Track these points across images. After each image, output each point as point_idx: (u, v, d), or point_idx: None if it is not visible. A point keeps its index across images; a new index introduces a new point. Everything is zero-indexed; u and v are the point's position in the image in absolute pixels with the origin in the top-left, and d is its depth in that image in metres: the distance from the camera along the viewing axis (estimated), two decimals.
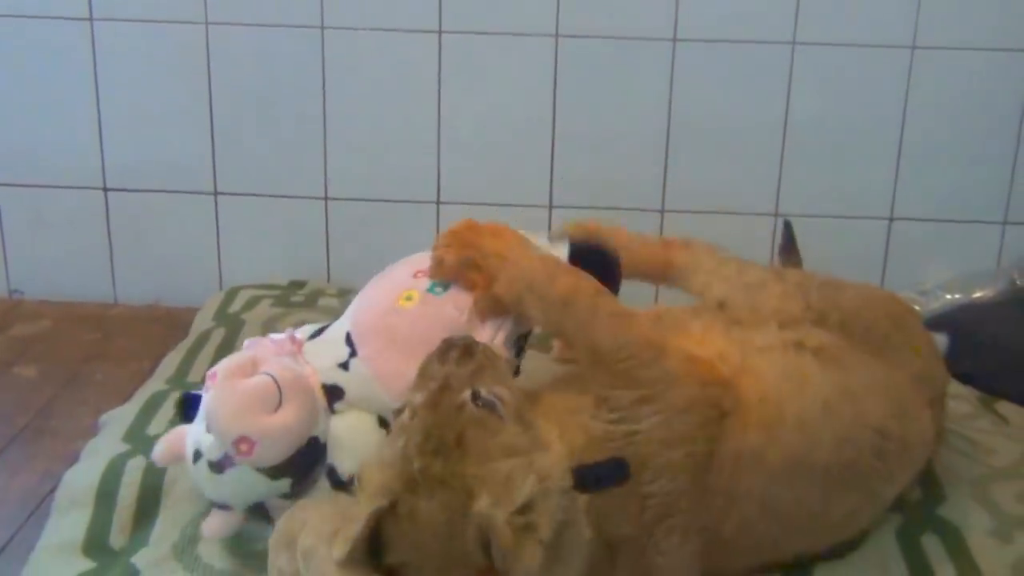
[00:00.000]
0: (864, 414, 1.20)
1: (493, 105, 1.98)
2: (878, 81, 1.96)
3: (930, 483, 1.34)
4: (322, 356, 1.21)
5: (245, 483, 1.15)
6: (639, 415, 1.09)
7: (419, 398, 1.03)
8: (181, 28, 1.96)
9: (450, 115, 1.99)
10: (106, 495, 1.28)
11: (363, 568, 0.98)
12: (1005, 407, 1.60)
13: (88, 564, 1.18)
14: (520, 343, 1.27)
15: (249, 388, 1.14)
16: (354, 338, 1.21)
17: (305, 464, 1.16)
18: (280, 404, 1.14)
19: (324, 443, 1.18)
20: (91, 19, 1.96)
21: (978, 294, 1.95)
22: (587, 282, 1.16)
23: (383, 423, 1.18)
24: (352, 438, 1.18)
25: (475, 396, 1.02)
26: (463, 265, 1.21)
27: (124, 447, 1.36)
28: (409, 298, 1.22)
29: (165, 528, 1.23)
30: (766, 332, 1.25)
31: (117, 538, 1.23)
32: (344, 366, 1.19)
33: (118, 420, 1.45)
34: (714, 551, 1.12)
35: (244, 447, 1.12)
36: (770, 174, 2.01)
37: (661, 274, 1.42)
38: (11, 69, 1.99)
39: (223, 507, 1.18)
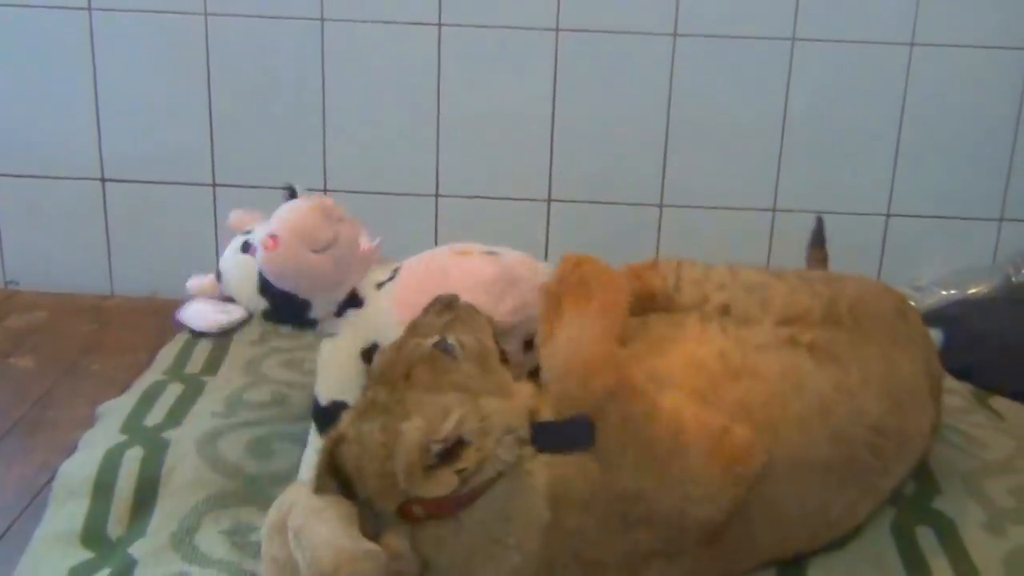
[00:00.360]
0: (860, 412, 1.20)
1: (493, 99, 1.98)
2: (877, 78, 1.97)
3: (924, 476, 1.35)
4: (372, 274, 1.33)
5: (245, 275, 1.29)
6: (647, 484, 1.07)
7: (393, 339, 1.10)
8: (180, 19, 1.96)
9: (449, 108, 2.00)
10: (104, 486, 1.28)
11: (334, 495, 1.04)
12: (999, 402, 1.62)
13: (86, 554, 1.19)
14: None
15: (315, 219, 1.28)
16: (401, 270, 1.32)
17: (288, 308, 1.28)
18: (326, 248, 1.26)
19: (314, 318, 1.28)
20: (89, 8, 1.95)
21: (973, 290, 1.96)
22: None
23: (370, 355, 1.24)
24: (330, 362, 1.27)
25: (438, 342, 1.06)
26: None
27: (121, 438, 1.37)
28: (464, 252, 1.32)
29: (163, 519, 1.23)
30: (760, 329, 1.25)
31: (115, 528, 1.23)
32: (379, 286, 1.31)
33: (115, 411, 1.46)
34: (714, 557, 1.12)
35: (271, 243, 1.25)
36: (768, 169, 2.02)
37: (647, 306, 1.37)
38: (9, 59, 1.99)
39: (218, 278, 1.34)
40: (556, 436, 1.06)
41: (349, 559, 0.99)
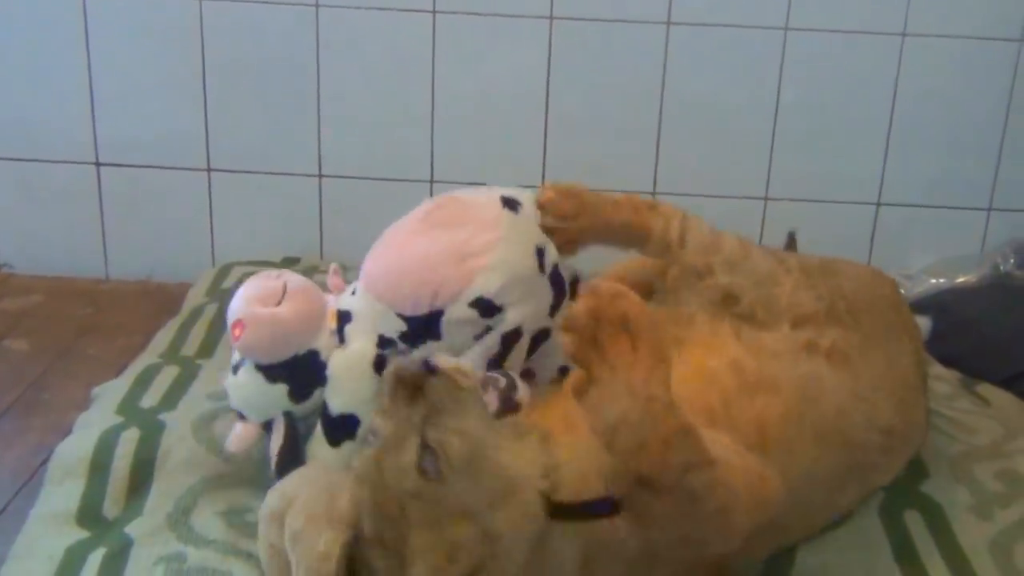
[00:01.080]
0: (873, 416, 1.19)
1: (487, 85, 1.99)
2: (869, 68, 1.98)
3: (912, 462, 1.36)
4: (344, 291, 1.28)
5: (250, 385, 1.22)
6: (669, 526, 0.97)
7: (372, 446, 0.96)
8: (175, 3, 1.96)
9: (444, 95, 2.00)
10: (99, 466, 1.28)
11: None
12: (986, 389, 1.63)
13: (82, 534, 1.19)
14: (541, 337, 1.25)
15: (256, 281, 1.24)
16: (363, 266, 1.26)
17: (302, 375, 1.21)
18: (280, 302, 1.21)
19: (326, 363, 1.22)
20: None
21: (961, 279, 1.97)
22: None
23: (384, 343, 1.20)
24: (344, 376, 1.21)
25: (422, 464, 0.92)
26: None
27: (117, 419, 1.37)
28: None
29: (159, 499, 1.24)
30: (778, 333, 1.21)
31: (111, 508, 1.24)
32: (353, 291, 1.25)
33: (111, 393, 1.46)
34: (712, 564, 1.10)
35: (237, 331, 1.19)
36: (760, 158, 2.03)
37: (637, 245, 1.31)
38: (3, 41, 1.99)
39: (243, 417, 1.24)
40: (577, 514, 0.96)
41: None
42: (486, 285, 1.17)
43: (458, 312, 1.17)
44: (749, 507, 1.00)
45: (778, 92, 1.99)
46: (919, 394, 1.30)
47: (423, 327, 1.18)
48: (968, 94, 2.00)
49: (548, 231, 1.24)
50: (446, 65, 1.99)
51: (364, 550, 0.94)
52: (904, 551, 1.22)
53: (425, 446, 0.93)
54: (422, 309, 1.18)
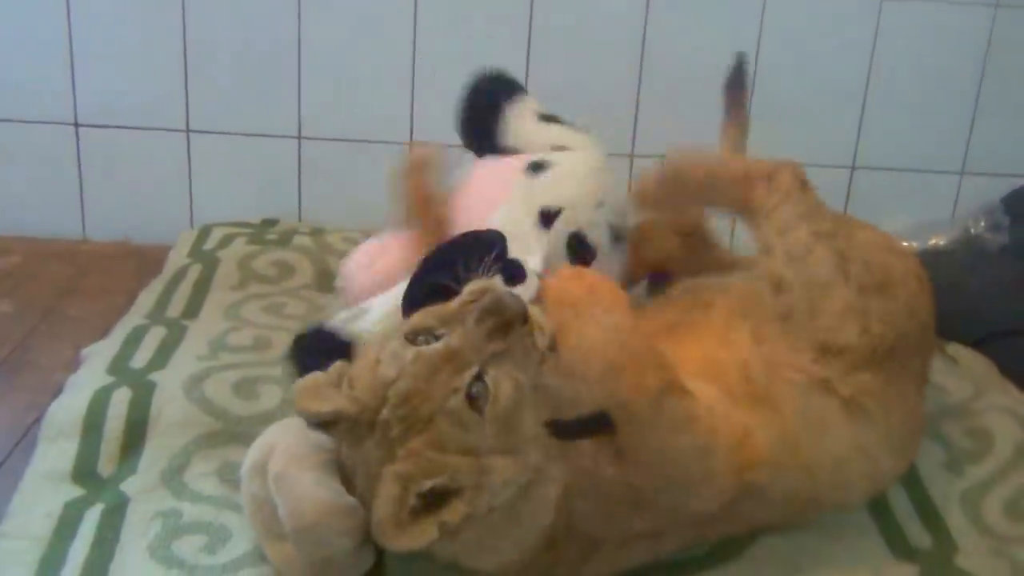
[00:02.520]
0: (870, 472, 1.17)
1: (468, 47, 1.99)
2: (846, 32, 2.00)
3: None
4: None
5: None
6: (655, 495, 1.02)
7: (432, 349, 0.97)
8: None
9: (425, 57, 2.00)
10: (93, 426, 1.29)
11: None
12: (956, 349, 1.67)
13: (79, 491, 1.21)
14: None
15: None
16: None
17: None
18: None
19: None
20: None
21: (933, 241, 2.01)
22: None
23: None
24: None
25: (477, 377, 0.96)
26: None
27: (108, 379, 1.38)
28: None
29: (153, 458, 1.26)
30: (798, 358, 1.15)
31: (105, 467, 1.25)
32: None
33: (101, 353, 1.47)
34: (693, 534, 1.12)
35: None
36: None
37: (739, 213, 1.28)
38: None
39: None
40: (578, 429, 0.99)
41: (329, 513, 1.01)
42: None
43: None
44: (730, 457, 1.03)
45: (756, 56, 2.01)
46: (918, 433, 1.27)
47: None
48: (943, 59, 2.03)
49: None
50: (427, 26, 1.98)
51: (355, 425, 0.97)
52: (878, 505, 1.26)
53: (479, 378, 0.95)
54: None
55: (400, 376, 0.96)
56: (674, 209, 1.30)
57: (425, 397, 0.95)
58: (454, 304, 1.02)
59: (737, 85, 1.55)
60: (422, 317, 1.02)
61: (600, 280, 1.04)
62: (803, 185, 1.26)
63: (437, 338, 0.99)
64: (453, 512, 0.94)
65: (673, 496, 1.03)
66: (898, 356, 1.19)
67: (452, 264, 1.09)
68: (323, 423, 1.00)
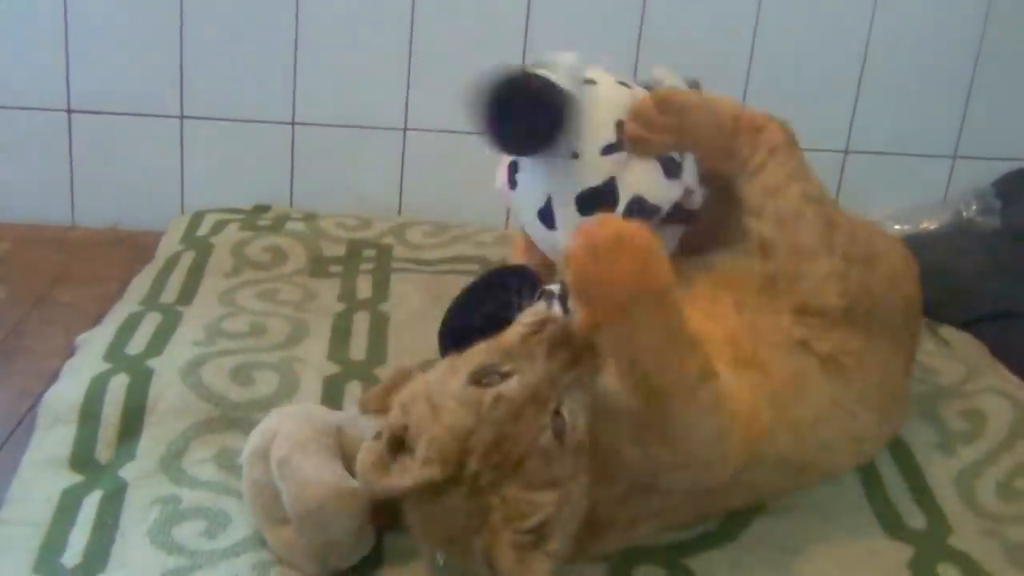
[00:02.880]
0: (850, 427, 1.20)
1: (464, 34, 1.98)
2: (841, 16, 2.01)
3: None
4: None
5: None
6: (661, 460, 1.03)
7: (511, 389, 0.94)
8: None
9: (421, 43, 1.99)
10: (90, 412, 1.29)
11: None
12: (948, 331, 1.68)
13: (77, 477, 1.21)
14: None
15: None
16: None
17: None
18: None
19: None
20: None
21: (925, 224, 2.03)
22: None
23: None
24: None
25: (556, 414, 0.95)
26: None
27: (105, 366, 1.38)
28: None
29: (150, 443, 1.26)
30: (779, 322, 1.18)
31: (103, 453, 1.26)
32: None
33: (97, 340, 1.47)
34: (689, 511, 1.14)
35: None
36: None
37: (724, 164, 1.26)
38: None
39: None
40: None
41: (334, 496, 1.02)
42: None
43: None
44: (743, 433, 1.04)
45: (753, 40, 2.01)
46: (902, 401, 1.30)
47: None
48: (937, 43, 2.03)
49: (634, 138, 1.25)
50: (424, 13, 1.98)
51: (440, 487, 0.93)
52: (872, 486, 1.28)
53: (557, 412, 0.95)
54: None
55: (481, 422, 0.93)
56: (660, 144, 1.24)
57: (515, 441, 0.93)
58: (513, 337, 0.99)
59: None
60: (483, 355, 0.99)
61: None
62: (791, 141, 1.26)
63: (502, 375, 0.96)
64: (555, 542, 0.94)
65: (688, 475, 1.04)
66: (878, 320, 1.21)
67: (483, 302, 1.10)
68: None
